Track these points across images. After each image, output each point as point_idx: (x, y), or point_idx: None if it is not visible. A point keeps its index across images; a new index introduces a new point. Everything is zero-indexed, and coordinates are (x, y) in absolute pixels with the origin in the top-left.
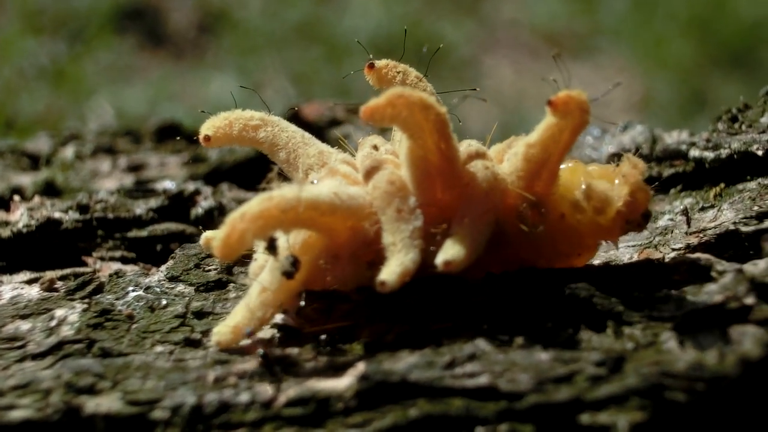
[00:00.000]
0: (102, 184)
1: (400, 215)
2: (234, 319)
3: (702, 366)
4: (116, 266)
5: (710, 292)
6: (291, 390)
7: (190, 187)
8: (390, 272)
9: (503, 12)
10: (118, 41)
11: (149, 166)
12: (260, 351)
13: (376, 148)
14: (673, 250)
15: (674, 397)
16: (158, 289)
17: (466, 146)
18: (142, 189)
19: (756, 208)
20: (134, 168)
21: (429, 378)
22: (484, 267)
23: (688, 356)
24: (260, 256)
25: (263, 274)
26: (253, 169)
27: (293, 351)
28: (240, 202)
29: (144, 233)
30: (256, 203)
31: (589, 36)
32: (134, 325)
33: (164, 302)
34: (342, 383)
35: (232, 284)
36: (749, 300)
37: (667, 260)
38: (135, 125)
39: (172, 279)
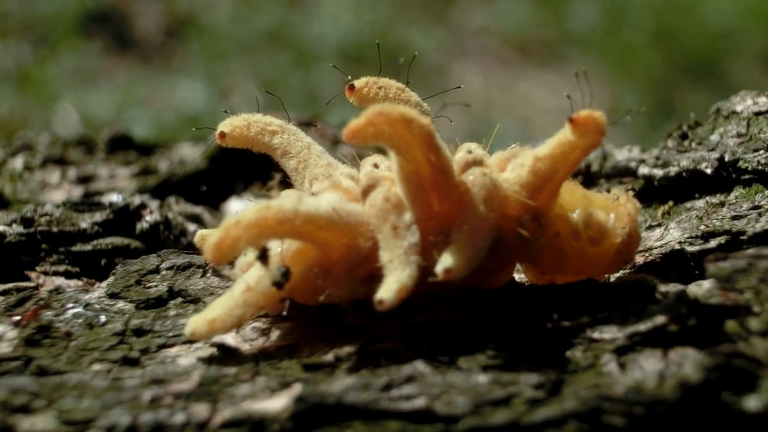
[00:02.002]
0: (51, 196)
1: (396, 232)
2: (212, 313)
3: (641, 390)
4: (60, 281)
5: (653, 314)
6: (226, 411)
7: (136, 200)
8: (387, 290)
9: (472, 20)
10: (85, 45)
11: (99, 178)
12: None
13: (376, 166)
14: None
15: (612, 422)
16: (98, 306)
17: (464, 153)
18: (88, 202)
19: (702, 227)
20: (84, 179)
21: (365, 400)
22: (485, 275)
23: (627, 379)
24: (250, 252)
25: (251, 273)
26: (203, 183)
27: (230, 371)
28: (188, 216)
29: (88, 247)
30: (253, 211)
31: (558, 44)
32: (72, 343)
33: (103, 319)
34: (277, 405)
35: (172, 302)
36: (692, 322)
37: (611, 280)
38: (95, 132)
39: (113, 296)
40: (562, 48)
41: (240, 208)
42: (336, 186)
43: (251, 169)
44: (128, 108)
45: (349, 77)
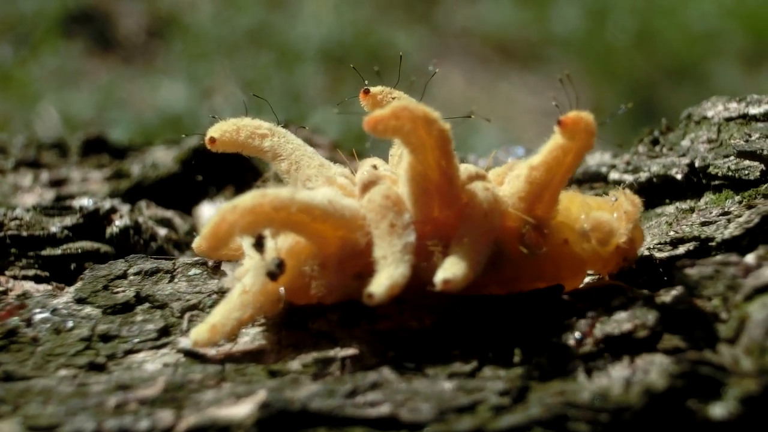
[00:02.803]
0: (23, 199)
1: (393, 229)
2: (213, 318)
3: (607, 396)
4: (29, 285)
5: (620, 320)
6: (191, 417)
7: (107, 205)
8: (379, 284)
9: (455, 20)
10: (66, 45)
11: (71, 181)
12: None
13: (375, 167)
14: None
15: (577, 429)
16: (65, 311)
17: (464, 169)
18: (58, 206)
19: (672, 233)
20: (56, 183)
21: (330, 407)
22: (481, 287)
23: (593, 386)
24: (247, 261)
25: (246, 276)
26: (176, 186)
27: (196, 376)
28: (158, 220)
29: (58, 252)
30: (249, 198)
31: (540, 45)
32: (39, 348)
33: (70, 325)
34: (242, 411)
35: (139, 307)
36: (658, 328)
37: (580, 286)
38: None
39: (80, 301)
40: (544, 49)
41: (213, 213)
42: (331, 182)
43: (224, 173)
44: (110, 108)
45: (366, 83)
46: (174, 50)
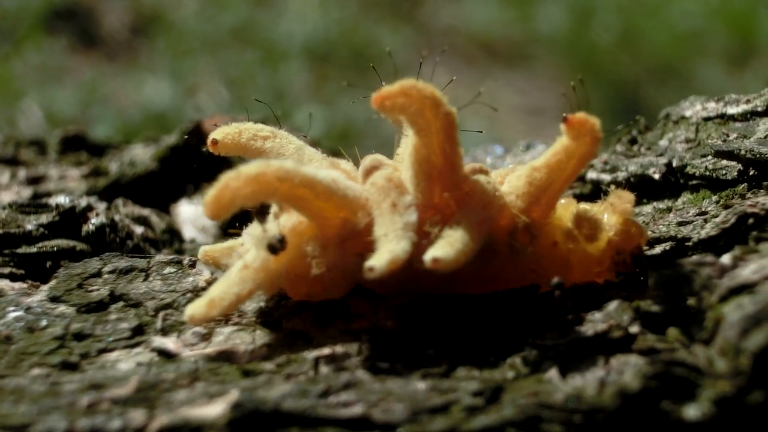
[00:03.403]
0: (0, 197)
1: (395, 209)
2: (210, 293)
3: (581, 397)
4: (3, 283)
5: (595, 321)
6: (164, 417)
7: (83, 202)
8: (380, 258)
9: (440, 19)
10: (49, 42)
11: (49, 179)
12: None
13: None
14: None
15: (550, 430)
16: (39, 310)
17: (469, 164)
18: (34, 204)
19: (649, 233)
20: (34, 180)
21: (302, 407)
22: (466, 284)
23: (567, 387)
24: (247, 241)
25: (248, 253)
26: (154, 184)
27: (169, 376)
28: (135, 218)
29: (34, 249)
30: (254, 166)
31: (525, 44)
32: (12, 347)
33: (44, 323)
34: (215, 411)
35: (113, 306)
36: (634, 329)
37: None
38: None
39: (54, 299)
40: (529, 48)
41: (191, 211)
42: (336, 166)
43: (202, 171)
44: (93, 105)
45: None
46: (158, 47)
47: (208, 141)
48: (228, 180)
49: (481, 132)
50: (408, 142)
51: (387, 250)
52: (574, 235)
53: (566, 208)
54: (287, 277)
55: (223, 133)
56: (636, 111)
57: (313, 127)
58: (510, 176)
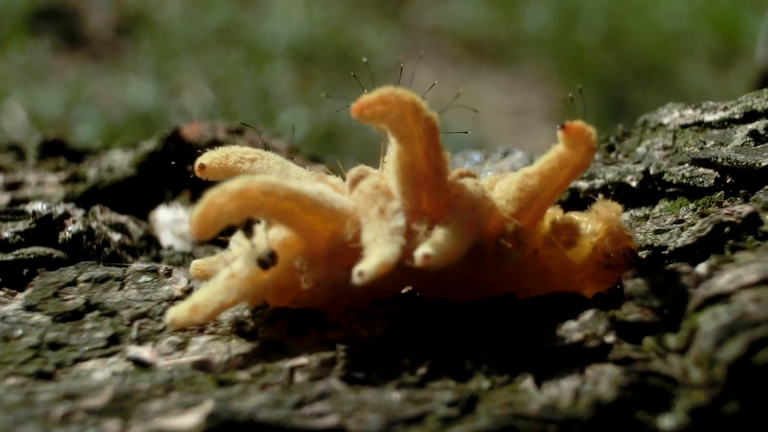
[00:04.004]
0: None
1: (383, 214)
2: (195, 299)
3: (555, 408)
4: None
5: (570, 330)
6: (138, 427)
7: (60, 210)
8: (369, 263)
9: (425, 19)
10: (34, 42)
11: (27, 185)
12: None
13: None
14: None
15: None
16: (14, 319)
17: (457, 170)
18: (11, 211)
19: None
20: (12, 186)
21: (277, 417)
22: (450, 287)
23: (542, 397)
24: (235, 248)
25: (236, 262)
26: (132, 190)
27: (144, 386)
28: (112, 225)
29: (10, 257)
30: (238, 181)
31: (511, 44)
32: None
33: (19, 332)
34: (189, 421)
35: (88, 315)
36: (609, 338)
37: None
38: (43, 131)
39: (29, 308)
40: (515, 48)
41: (169, 218)
42: (323, 179)
43: (180, 177)
44: (77, 106)
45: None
46: (142, 48)
47: (195, 166)
48: (212, 197)
49: (467, 133)
50: (392, 150)
51: (376, 255)
52: (553, 242)
53: (549, 217)
54: (273, 289)
55: (210, 158)
56: (621, 111)
57: (298, 127)
58: (501, 182)
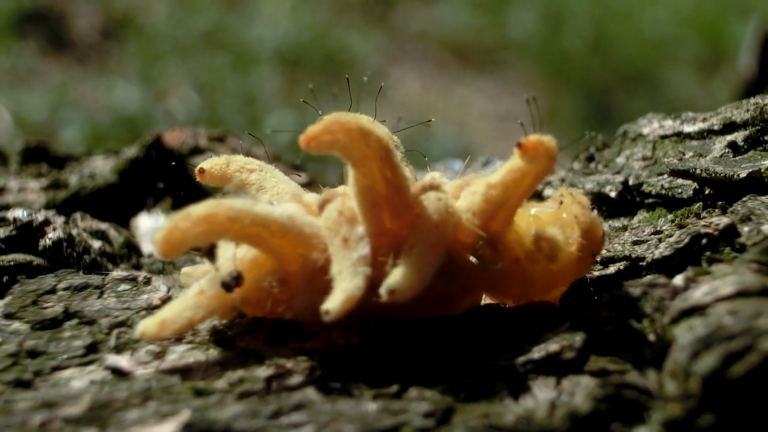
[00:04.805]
0: None
1: (347, 244)
2: (163, 314)
3: (531, 420)
4: None
5: (547, 341)
6: None
7: (40, 217)
8: (334, 300)
9: (412, 24)
10: (19, 45)
11: (9, 191)
12: None
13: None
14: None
15: None
16: None
17: (429, 178)
18: None
19: (604, 252)
20: None
21: (253, 427)
22: (442, 298)
23: (518, 409)
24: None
25: (204, 279)
26: (113, 197)
27: (122, 395)
28: (93, 232)
29: None
30: (203, 206)
31: (497, 50)
32: None
33: None
34: (166, 431)
35: (67, 323)
36: (586, 350)
37: (508, 306)
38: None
39: (8, 316)
40: (501, 54)
41: (150, 225)
42: (297, 199)
43: (162, 184)
44: (63, 109)
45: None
46: (128, 51)
47: (196, 170)
48: (177, 221)
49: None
50: (349, 173)
51: (340, 290)
52: (535, 256)
53: (520, 217)
54: (243, 304)
55: (211, 163)
56: (606, 117)
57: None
58: (465, 191)
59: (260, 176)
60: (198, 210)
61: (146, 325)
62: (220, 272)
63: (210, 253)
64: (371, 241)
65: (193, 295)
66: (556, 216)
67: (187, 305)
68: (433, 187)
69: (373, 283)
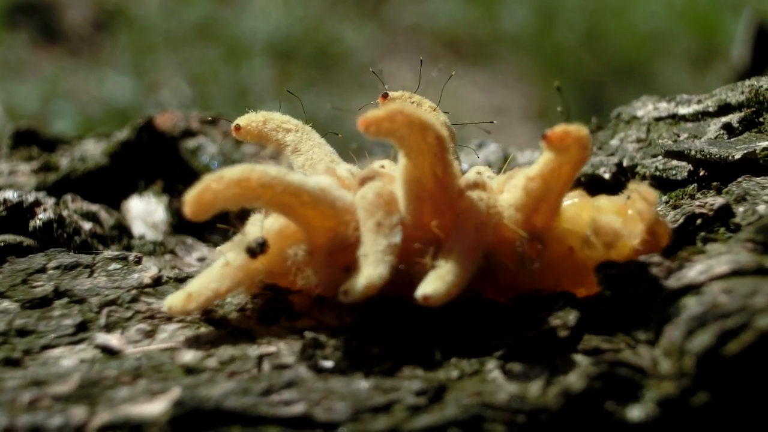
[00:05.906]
0: None
1: (380, 228)
2: (190, 287)
3: (524, 397)
4: None
5: (541, 320)
6: (105, 414)
7: (31, 198)
8: (355, 283)
9: (404, 17)
10: (11, 36)
11: None
12: None
13: (383, 167)
14: None
15: (494, 429)
16: None
17: (473, 174)
18: None
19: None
20: None
21: (244, 405)
22: (472, 292)
23: (511, 387)
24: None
25: (231, 251)
26: (104, 180)
27: (112, 373)
28: (83, 214)
29: None
30: (237, 170)
31: (490, 43)
32: None
33: None
34: (156, 408)
35: (57, 302)
36: (580, 329)
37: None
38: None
39: None
40: (494, 47)
41: (141, 207)
42: (331, 172)
43: (153, 167)
44: (54, 101)
45: (386, 86)
46: (120, 43)
47: (232, 126)
48: (210, 181)
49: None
50: (400, 160)
51: (364, 276)
52: (592, 242)
53: (582, 209)
54: (268, 276)
55: (247, 120)
56: (599, 111)
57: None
58: (508, 185)
59: (296, 137)
60: (231, 173)
61: (173, 300)
62: (246, 238)
63: (241, 216)
64: (406, 231)
65: (219, 267)
66: (621, 208)
67: (212, 277)
68: (478, 185)
69: (399, 275)
